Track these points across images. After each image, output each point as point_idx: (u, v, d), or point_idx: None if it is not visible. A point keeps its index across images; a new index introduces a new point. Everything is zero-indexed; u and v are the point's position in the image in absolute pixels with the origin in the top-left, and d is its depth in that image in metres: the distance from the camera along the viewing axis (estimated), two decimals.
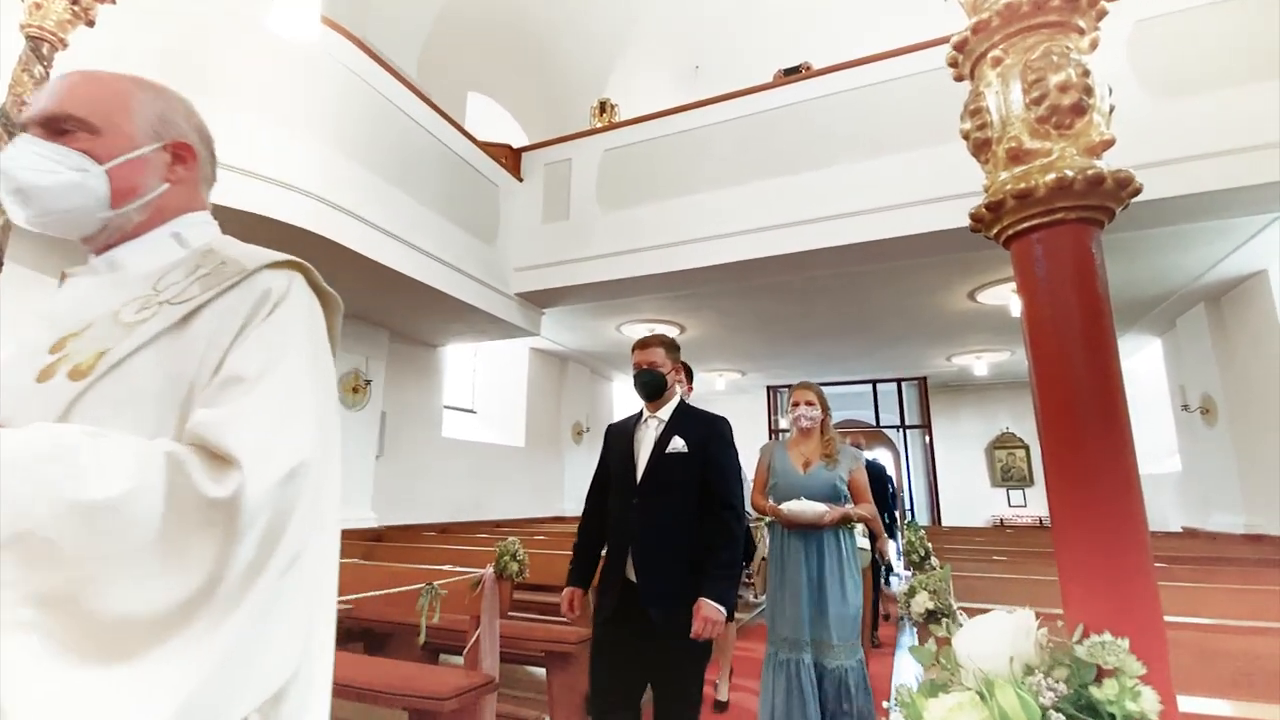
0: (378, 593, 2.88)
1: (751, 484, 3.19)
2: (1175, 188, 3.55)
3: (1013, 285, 5.65)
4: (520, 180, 5.84)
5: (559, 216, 5.60)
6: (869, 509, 2.86)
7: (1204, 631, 2.13)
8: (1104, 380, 0.59)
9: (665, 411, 2.19)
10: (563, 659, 2.99)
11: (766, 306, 6.20)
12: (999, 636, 0.59)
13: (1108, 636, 0.55)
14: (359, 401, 5.52)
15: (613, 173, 5.44)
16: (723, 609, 1.90)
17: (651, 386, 2.18)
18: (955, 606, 2.16)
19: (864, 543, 4.19)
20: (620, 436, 2.23)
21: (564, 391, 8.58)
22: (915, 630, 2.62)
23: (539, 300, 5.77)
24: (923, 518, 10.23)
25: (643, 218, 5.16)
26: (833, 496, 2.80)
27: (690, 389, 3.26)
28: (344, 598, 2.40)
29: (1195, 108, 3.59)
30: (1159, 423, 6.91)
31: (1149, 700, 0.52)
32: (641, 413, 2.25)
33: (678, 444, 2.08)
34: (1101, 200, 0.64)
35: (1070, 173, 0.63)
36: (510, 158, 5.89)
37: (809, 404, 2.96)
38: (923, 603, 2.15)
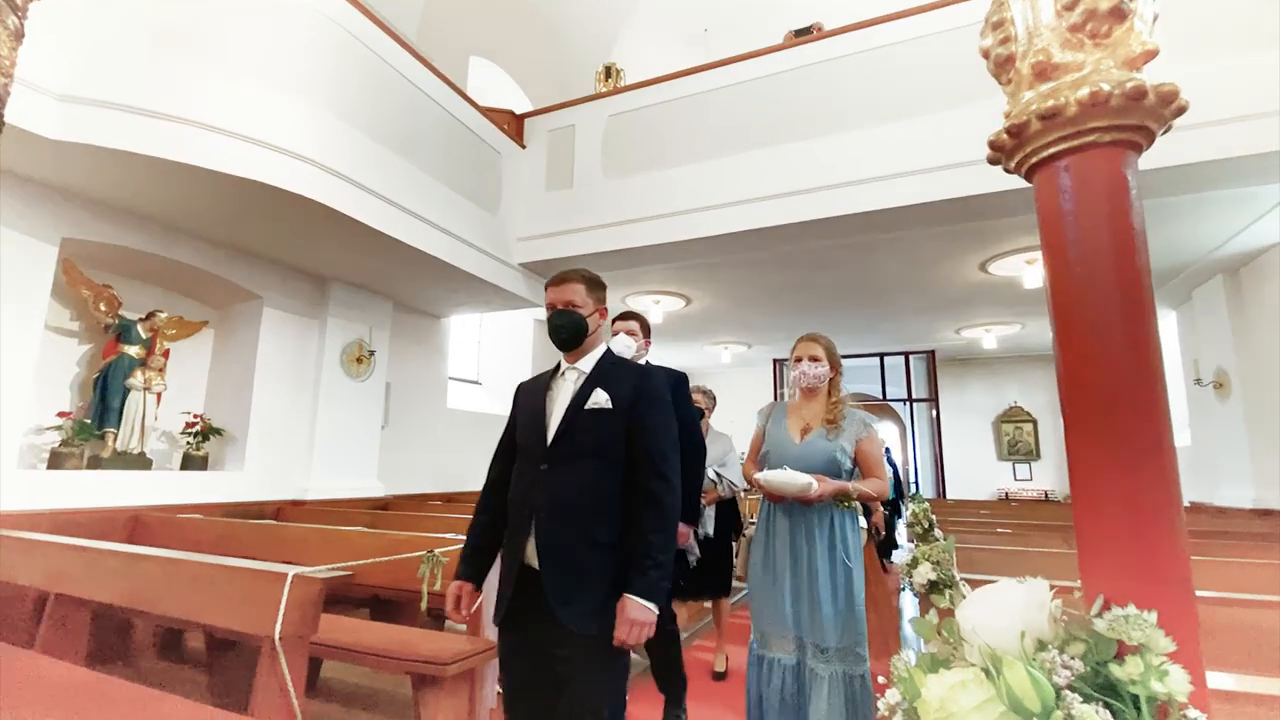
0: (381, 559, 2.90)
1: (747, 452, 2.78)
2: (1196, 153, 3.41)
3: (1025, 256, 5.53)
4: (523, 147, 5.73)
5: (562, 184, 5.50)
6: (878, 485, 2.34)
7: (1209, 605, 2.10)
8: (1137, 325, 0.51)
9: (587, 362, 1.79)
10: None
11: (774, 277, 6.10)
12: (1009, 609, 0.52)
13: (1132, 609, 0.49)
14: (363, 372, 5.51)
15: (618, 139, 5.32)
16: (653, 606, 1.52)
17: (567, 330, 1.76)
18: (958, 578, 2.15)
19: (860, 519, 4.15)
20: (532, 393, 1.83)
21: None
22: (917, 600, 2.60)
23: (542, 271, 5.69)
24: (927, 491, 10.23)
25: (648, 185, 5.05)
26: (830, 470, 2.31)
27: (648, 344, 2.84)
28: (346, 564, 2.40)
29: (1219, 69, 3.43)
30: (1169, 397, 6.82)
31: (1178, 680, 0.45)
32: (559, 365, 1.84)
33: (600, 398, 1.68)
34: (1142, 119, 0.55)
35: (1106, 86, 0.53)
36: (513, 124, 5.76)
37: (813, 359, 2.46)
38: (925, 573, 2.13)
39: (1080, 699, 0.46)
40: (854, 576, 2.29)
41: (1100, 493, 0.52)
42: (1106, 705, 0.46)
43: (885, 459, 6.99)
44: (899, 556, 7.37)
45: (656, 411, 1.73)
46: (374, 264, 4.89)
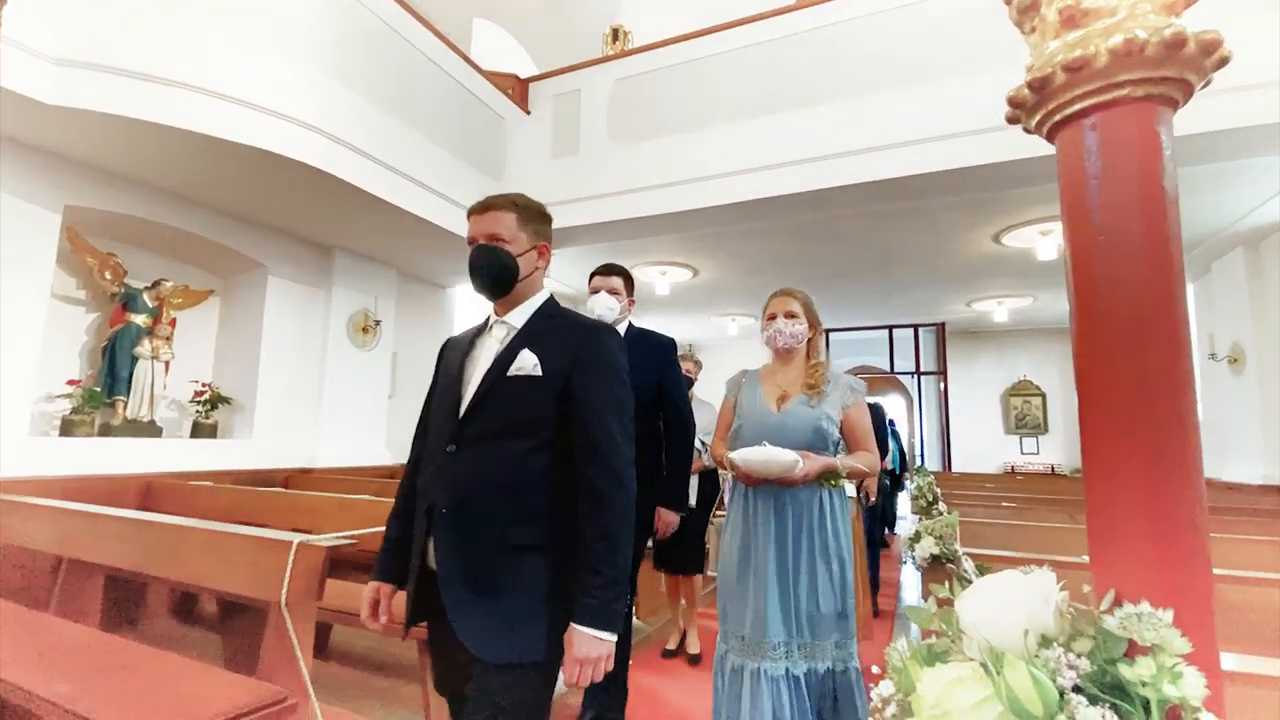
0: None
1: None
2: (1219, 120, 3.28)
3: (1040, 227, 5.39)
4: (528, 113, 5.60)
5: (568, 151, 5.39)
6: (868, 459, 2.00)
7: (1214, 582, 2.08)
8: (1165, 301, 0.47)
9: (519, 314, 1.39)
10: None
11: (783, 248, 6.01)
12: (1013, 604, 0.48)
13: (1146, 607, 0.45)
14: (369, 342, 5.51)
15: (624, 104, 5.19)
16: (607, 636, 1.19)
17: (488, 272, 1.36)
18: (961, 552, 2.14)
19: (848, 488, 3.54)
20: (455, 353, 1.45)
21: None
22: (920, 573, 2.60)
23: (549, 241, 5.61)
24: (933, 464, 10.24)
25: (655, 152, 4.94)
26: (816, 443, 1.96)
27: (631, 303, 2.44)
28: (354, 531, 2.43)
29: (1246, 32, 3.27)
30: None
31: (1193, 683, 0.42)
32: (488, 319, 1.45)
33: (527, 362, 1.30)
34: (1180, 70, 0.49)
35: (1142, 33, 0.48)
36: (517, 88, 5.63)
37: (789, 316, 2.10)
38: (927, 548, 2.13)
39: (1086, 701, 0.43)
40: (848, 566, 1.99)
41: (1117, 481, 0.48)
42: (1114, 707, 0.43)
43: (889, 429, 6.82)
44: (902, 529, 7.41)
45: (603, 381, 1.31)
46: (377, 232, 4.85)
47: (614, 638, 1.21)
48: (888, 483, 6.11)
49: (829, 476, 1.96)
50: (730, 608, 2.03)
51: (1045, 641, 0.47)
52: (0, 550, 2.92)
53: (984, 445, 10.08)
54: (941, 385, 10.14)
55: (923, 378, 10.30)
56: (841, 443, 2.06)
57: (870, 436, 2.05)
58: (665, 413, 2.42)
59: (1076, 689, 0.44)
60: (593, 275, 2.45)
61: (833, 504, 2.01)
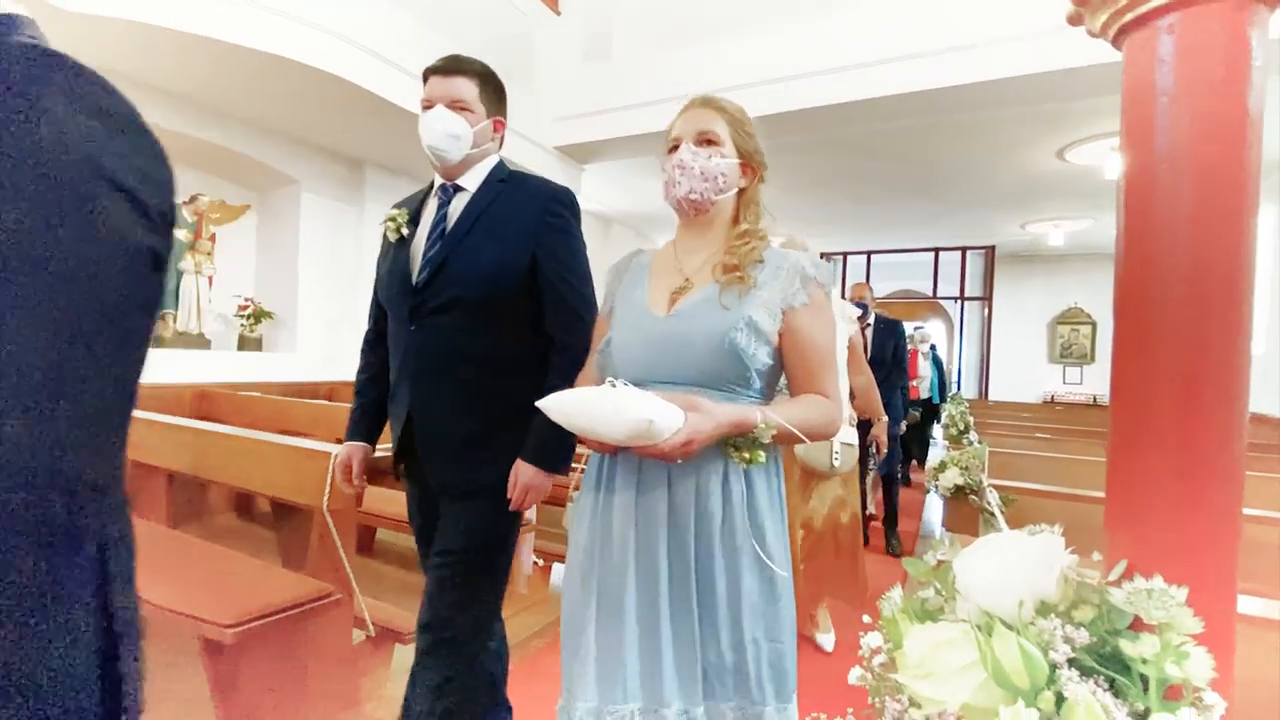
0: None
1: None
2: None
3: (1111, 142, 4.94)
4: (558, 13, 5.26)
5: (601, 56, 5.09)
6: (815, 411, 1.06)
7: (1251, 522, 2.02)
8: (1229, 244, 0.41)
9: None
10: None
11: (827, 164, 5.70)
12: (1013, 570, 0.44)
13: (1158, 583, 0.41)
14: None
15: (664, 1, 4.82)
16: None
17: None
18: (987, 484, 2.12)
19: (849, 434, 2.40)
20: None
21: (607, 255, 8.36)
22: (944, 502, 2.60)
23: (579, 155, 5.43)
24: (970, 392, 10.07)
25: (697, 57, 4.62)
26: (725, 371, 1.05)
27: (499, 127, 1.48)
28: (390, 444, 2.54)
29: None
30: (1256, 299, 6.31)
31: (1199, 665, 0.39)
32: None
33: None
34: None
35: None
36: None
37: (704, 142, 1.13)
38: (951, 479, 2.12)
39: (1078, 674, 0.40)
40: (780, 588, 1.07)
41: (1139, 437, 0.44)
42: (1110, 680, 0.41)
43: (930, 357, 6.48)
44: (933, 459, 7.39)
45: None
46: (402, 144, 4.74)
47: None
48: (919, 414, 5.97)
49: (739, 443, 1.00)
50: (566, 638, 1.13)
51: (1044, 609, 0.44)
52: None
53: (1025, 374, 9.83)
54: (986, 311, 9.80)
55: (966, 303, 9.95)
56: (762, 369, 1.08)
57: (829, 364, 1.09)
58: (544, 307, 1.39)
59: (1071, 661, 0.41)
60: (426, 75, 1.38)
61: (748, 484, 1.07)
